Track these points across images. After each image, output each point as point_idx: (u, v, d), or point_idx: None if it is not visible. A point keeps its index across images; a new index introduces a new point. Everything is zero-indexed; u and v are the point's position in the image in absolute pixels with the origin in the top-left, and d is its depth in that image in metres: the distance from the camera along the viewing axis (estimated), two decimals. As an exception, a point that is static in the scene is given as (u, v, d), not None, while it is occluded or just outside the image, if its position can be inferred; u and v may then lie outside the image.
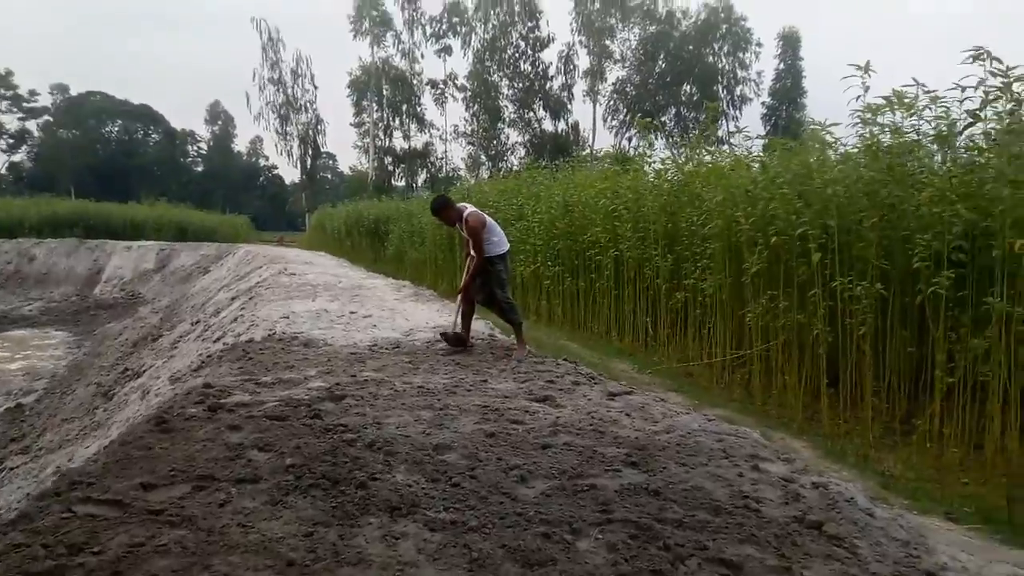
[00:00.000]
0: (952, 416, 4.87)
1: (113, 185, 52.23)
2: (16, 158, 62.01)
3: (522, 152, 40.35)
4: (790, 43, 41.42)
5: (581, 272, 10.70)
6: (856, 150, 6.30)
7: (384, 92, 40.35)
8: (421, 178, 42.68)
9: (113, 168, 59.79)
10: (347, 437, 3.34)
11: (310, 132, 40.63)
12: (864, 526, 2.69)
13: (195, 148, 73.13)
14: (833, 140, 6.57)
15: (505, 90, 40.73)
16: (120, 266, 28.93)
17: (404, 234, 18.44)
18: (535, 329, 9.88)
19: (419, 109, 41.48)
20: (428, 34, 40.18)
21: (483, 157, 40.89)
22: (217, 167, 69.22)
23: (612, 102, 42.23)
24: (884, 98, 5.72)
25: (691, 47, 41.43)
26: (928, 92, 5.51)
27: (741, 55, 41.78)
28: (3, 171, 59.79)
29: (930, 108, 5.58)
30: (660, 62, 41.64)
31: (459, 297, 6.54)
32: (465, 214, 6.31)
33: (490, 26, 39.44)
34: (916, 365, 5.56)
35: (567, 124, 41.92)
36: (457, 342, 6.28)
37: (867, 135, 6.02)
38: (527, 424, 3.78)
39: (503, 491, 2.78)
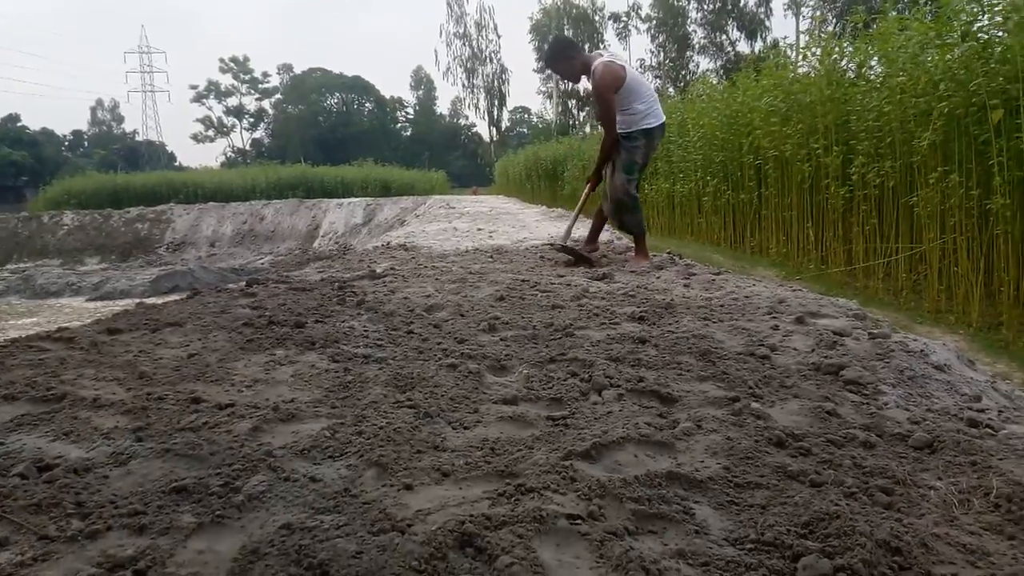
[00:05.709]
0: None
1: (334, 153, 57.43)
2: (257, 135, 71.01)
3: (714, 80, 37.47)
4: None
5: (742, 184, 9.62)
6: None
7: (566, 33, 39.61)
8: (606, 119, 41.43)
9: (334, 137, 65.84)
10: (345, 297, 3.17)
11: (495, 82, 41.27)
12: (913, 377, 1.94)
13: (403, 114, 77.97)
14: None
15: (693, 14, 38.01)
16: (334, 221, 31.91)
17: (577, 171, 18.10)
18: (685, 247, 9.10)
19: (602, 46, 40.18)
20: (611, -36, 38.61)
21: (671, 89, 38.70)
22: (423, 130, 73.30)
23: (820, 12, 37.52)
24: None
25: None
26: None
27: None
28: (248, 147, 68.66)
29: None
30: (881, -42, 35.97)
31: (584, 191, 5.05)
32: (595, 64, 4.46)
33: (676, -56, 36.88)
34: None
35: (765, 43, 38.11)
36: (575, 256, 4.68)
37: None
38: (555, 293, 3.34)
39: (456, 338, 2.41)
